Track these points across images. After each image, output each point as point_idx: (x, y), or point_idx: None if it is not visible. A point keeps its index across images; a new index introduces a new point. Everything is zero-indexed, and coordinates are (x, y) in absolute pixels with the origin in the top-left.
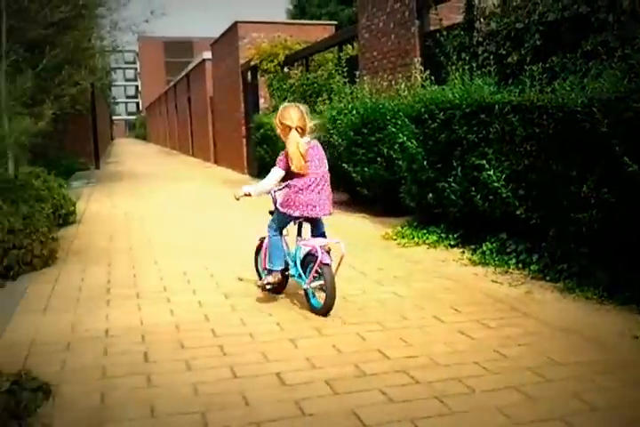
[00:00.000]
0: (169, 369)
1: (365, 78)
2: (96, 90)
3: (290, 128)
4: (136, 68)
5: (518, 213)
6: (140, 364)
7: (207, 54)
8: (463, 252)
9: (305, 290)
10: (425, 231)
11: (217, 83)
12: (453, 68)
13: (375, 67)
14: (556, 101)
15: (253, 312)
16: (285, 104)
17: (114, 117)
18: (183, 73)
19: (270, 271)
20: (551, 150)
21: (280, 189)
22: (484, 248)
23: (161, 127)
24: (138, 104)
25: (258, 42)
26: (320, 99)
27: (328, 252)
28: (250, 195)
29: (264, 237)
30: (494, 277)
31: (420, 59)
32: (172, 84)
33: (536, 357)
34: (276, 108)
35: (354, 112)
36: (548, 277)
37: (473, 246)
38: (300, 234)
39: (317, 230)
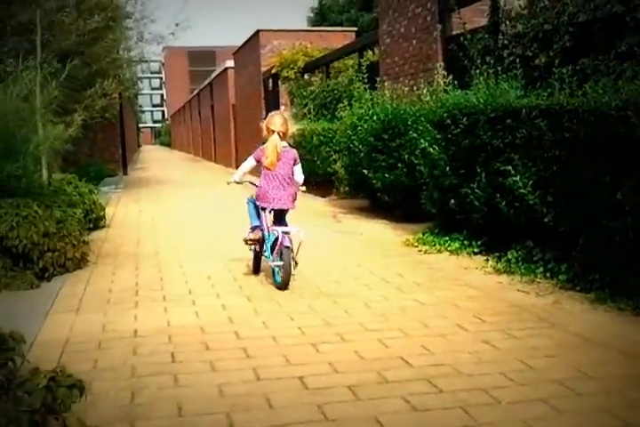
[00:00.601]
0: (195, 370)
1: (386, 84)
2: (124, 99)
3: (273, 131)
4: (161, 78)
5: (546, 220)
6: (167, 364)
7: (230, 63)
8: (487, 259)
9: (272, 268)
10: (447, 238)
11: (239, 90)
12: (477, 71)
13: (396, 72)
14: (588, 105)
15: (276, 316)
16: (273, 112)
17: (140, 125)
18: (206, 81)
19: (253, 229)
20: (582, 155)
21: (252, 184)
22: (510, 256)
23: (185, 134)
24: (163, 112)
25: (279, 50)
26: (340, 105)
27: (289, 236)
28: (235, 181)
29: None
30: (520, 286)
31: (442, 63)
32: (195, 92)
33: (565, 369)
34: (296, 115)
35: (374, 118)
36: (577, 287)
37: (497, 254)
38: (274, 223)
39: (281, 220)
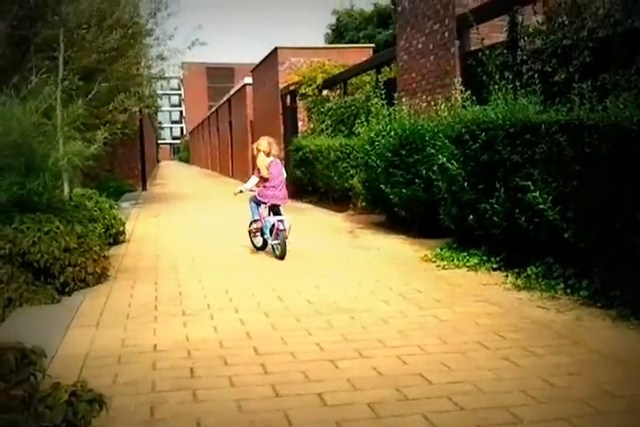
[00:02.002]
0: (213, 385)
1: (404, 100)
2: (144, 115)
3: (259, 151)
4: (180, 95)
5: (566, 235)
6: (186, 379)
7: (248, 79)
8: (506, 275)
9: (272, 245)
10: (465, 254)
11: (257, 107)
12: (496, 87)
13: (414, 88)
14: (609, 120)
15: (294, 331)
16: (261, 138)
17: (159, 141)
18: (225, 98)
19: (254, 221)
20: (603, 171)
21: (256, 189)
22: (529, 272)
23: (203, 150)
24: (182, 128)
25: (297, 67)
26: (358, 121)
27: (282, 222)
28: (242, 191)
29: (251, 222)
30: (540, 302)
31: (460, 79)
32: (214, 108)
33: (587, 387)
34: (314, 131)
35: (392, 133)
36: (598, 304)
37: (517, 270)
38: (269, 214)
39: (276, 211)
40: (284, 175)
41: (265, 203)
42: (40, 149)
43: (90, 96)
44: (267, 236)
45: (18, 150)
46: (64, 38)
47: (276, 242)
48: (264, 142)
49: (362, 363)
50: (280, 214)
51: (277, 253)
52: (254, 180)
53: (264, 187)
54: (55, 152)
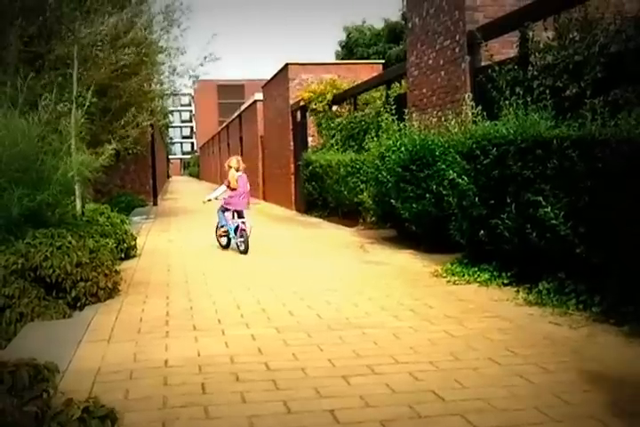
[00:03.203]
0: (225, 401)
1: (414, 115)
2: (155, 131)
3: (230, 167)
4: (191, 111)
5: (578, 251)
6: (197, 394)
7: (259, 95)
8: (518, 291)
9: (236, 243)
10: (476, 269)
11: (267, 122)
12: (507, 102)
13: (424, 104)
14: (621, 135)
15: (305, 347)
16: (231, 157)
17: (170, 157)
18: (236, 114)
19: (222, 226)
20: (615, 186)
21: (224, 198)
22: (541, 287)
23: (213, 165)
24: (192, 144)
25: (307, 83)
26: (368, 136)
27: (244, 224)
28: (211, 200)
29: (219, 227)
30: (552, 318)
31: (470, 94)
32: (224, 124)
33: (602, 405)
34: (324, 146)
35: (402, 149)
36: (611, 320)
37: (528, 285)
38: (234, 217)
39: (240, 216)
40: (248, 187)
41: (229, 209)
42: (48, 160)
43: (102, 111)
44: (232, 235)
45: (26, 162)
46: (77, 55)
47: (240, 240)
48: (234, 160)
49: (374, 379)
50: (243, 217)
51: (241, 248)
52: (222, 189)
53: (230, 197)
54: (64, 164)
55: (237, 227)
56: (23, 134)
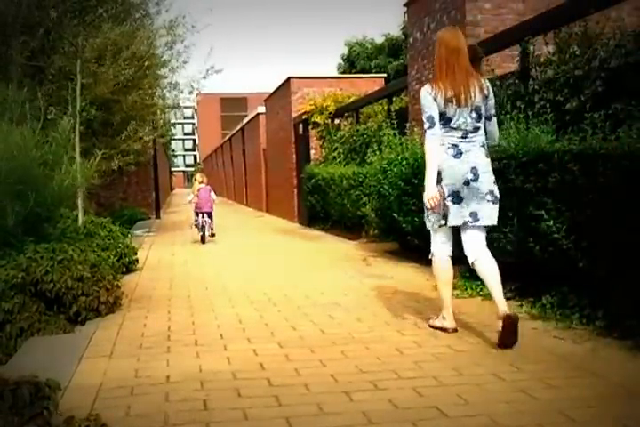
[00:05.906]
0: (227, 418)
1: (415, 129)
2: (158, 144)
3: (195, 180)
4: (194, 123)
5: (581, 265)
6: (199, 411)
7: (261, 108)
8: (521, 305)
9: (204, 233)
10: (479, 282)
11: (270, 135)
12: (507, 116)
13: None
14: (622, 149)
15: (308, 363)
16: (197, 173)
17: (173, 169)
18: (238, 126)
19: (195, 221)
20: (617, 200)
21: (194, 202)
22: (544, 301)
23: (216, 178)
24: (195, 156)
25: (309, 96)
26: (370, 150)
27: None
28: (189, 202)
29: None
30: (556, 332)
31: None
32: (227, 137)
33: (609, 422)
34: (326, 159)
35: (404, 162)
36: (615, 335)
37: (531, 299)
38: (202, 217)
39: (209, 216)
40: (211, 194)
41: (201, 212)
42: (42, 172)
43: (104, 125)
44: (199, 229)
45: (20, 175)
46: (80, 69)
47: (207, 231)
48: (199, 176)
49: (377, 395)
50: (210, 217)
51: (207, 234)
52: (192, 196)
53: (196, 202)
54: (58, 174)
55: (205, 223)
56: (19, 148)
